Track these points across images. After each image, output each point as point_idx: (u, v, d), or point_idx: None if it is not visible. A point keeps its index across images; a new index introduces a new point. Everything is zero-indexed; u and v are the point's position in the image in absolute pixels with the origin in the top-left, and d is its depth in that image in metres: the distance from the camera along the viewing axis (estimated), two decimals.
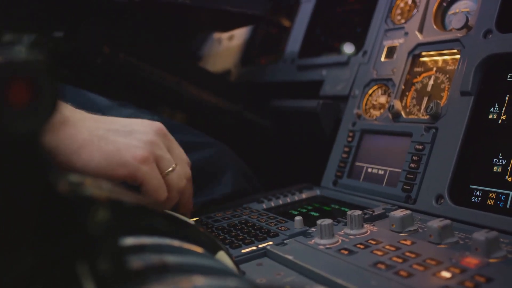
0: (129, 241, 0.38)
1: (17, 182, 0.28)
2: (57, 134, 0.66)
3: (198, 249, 0.44)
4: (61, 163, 0.67)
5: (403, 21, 0.99)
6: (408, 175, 0.81)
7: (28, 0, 0.98)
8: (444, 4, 0.92)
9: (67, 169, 0.66)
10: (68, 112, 0.69)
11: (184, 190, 0.76)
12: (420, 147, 0.80)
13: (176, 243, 0.42)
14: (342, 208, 0.86)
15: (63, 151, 0.66)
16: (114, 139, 0.69)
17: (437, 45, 0.88)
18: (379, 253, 0.59)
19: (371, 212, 0.75)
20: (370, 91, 0.99)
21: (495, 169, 0.70)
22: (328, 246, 0.64)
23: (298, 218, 0.74)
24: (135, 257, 0.36)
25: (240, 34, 1.54)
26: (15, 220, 0.28)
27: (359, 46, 1.08)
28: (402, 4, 1.02)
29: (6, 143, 0.26)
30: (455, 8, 0.90)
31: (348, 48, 1.17)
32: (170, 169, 0.72)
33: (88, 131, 0.68)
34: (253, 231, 0.75)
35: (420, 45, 0.91)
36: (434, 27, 0.91)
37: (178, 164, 0.74)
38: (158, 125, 0.74)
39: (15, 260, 0.29)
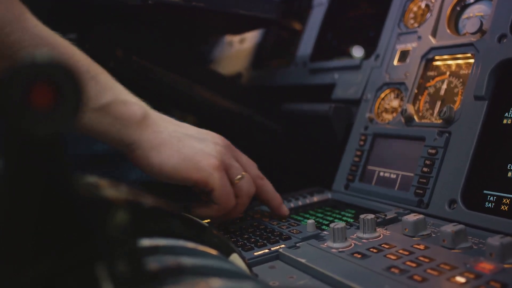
0: (146, 242, 0.38)
1: (38, 184, 0.28)
2: (140, 128, 0.69)
3: (213, 251, 0.45)
4: (137, 158, 0.69)
5: (416, 25, 0.99)
6: (420, 180, 0.80)
7: (41, 2, 0.99)
8: (458, 8, 0.92)
9: (141, 164, 0.70)
10: (148, 109, 0.71)
11: (262, 189, 0.80)
12: (433, 151, 0.80)
13: (191, 245, 0.42)
14: (354, 212, 0.86)
15: (143, 146, 0.69)
16: (191, 143, 0.72)
17: (451, 49, 0.88)
18: (392, 257, 0.59)
19: (383, 216, 0.75)
20: (383, 95, 0.99)
21: (509, 174, 0.69)
22: (341, 249, 0.64)
23: (310, 221, 0.74)
24: (151, 259, 0.36)
25: (251, 37, 1.54)
26: (33, 221, 0.28)
27: (371, 50, 1.08)
28: (415, 8, 1.02)
29: (29, 145, 0.26)
30: (469, 12, 0.90)
31: (357, 52, 1.16)
32: (240, 176, 0.75)
33: (167, 132, 0.71)
34: (265, 233, 0.75)
35: (433, 49, 0.91)
36: (448, 31, 0.91)
37: (248, 171, 0.77)
38: (222, 137, 0.78)
39: (33, 262, 0.29)
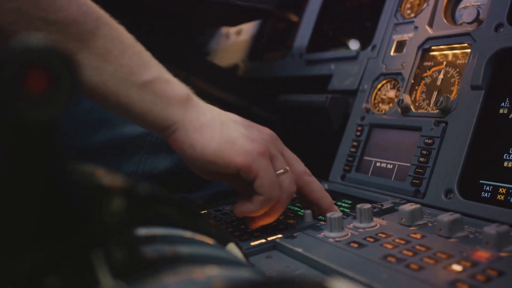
0: (142, 231, 0.38)
1: (33, 170, 0.28)
2: (184, 108, 0.66)
3: (209, 241, 0.44)
4: (178, 140, 0.66)
5: (412, 15, 0.99)
6: (417, 170, 0.80)
7: None
8: None
9: (182, 147, 0.66)
10: (191, 93, 0.69)
11: (309, 186, 0.74)
12: (430, 141, 0.80)
13: (188, 234, 0.42)
14: (351, 202, 0.86)
15: (186, 126, 0.65)
16: (235, 127, 0.68)
17: (447, 39, 0.87)
18: (389, 246, 0.59)
19: (380, 206, 0.75)
20: (379, 86, 0.99)
21: (505, 164, 0.69)
22: (337, 239, 0.64)
23: (307, 211, 0.74)
24: (148, 247, 0.36)
25: (248, 29, 1.54)
26: (29, 209, 0.28)
27: (368, 40, 1.08)
28: None
29: (23, 131, 0.26)
30: (466, 1, 0.90)
31: (354, 45, 1.16)
32: (282, 170, 0.69)
33: (211, 114, 0.68)
34: None
35: (430, 39, 0.91)
36: (444, 21, 0.90)
37: (293, 167, 0.72)
38: (268, 129, 0.74)
39: (30, 250, 0.29)
